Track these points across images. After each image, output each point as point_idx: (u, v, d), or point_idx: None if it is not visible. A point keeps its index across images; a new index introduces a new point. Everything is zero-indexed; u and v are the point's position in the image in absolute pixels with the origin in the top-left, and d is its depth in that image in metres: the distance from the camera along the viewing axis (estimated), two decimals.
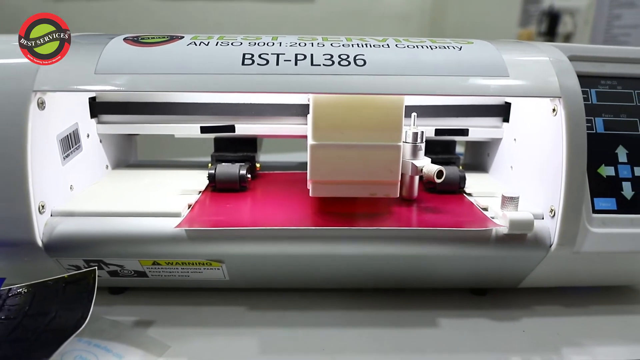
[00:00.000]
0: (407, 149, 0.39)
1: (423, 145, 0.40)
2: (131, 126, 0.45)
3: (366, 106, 0.36)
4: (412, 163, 0.39)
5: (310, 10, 1.61)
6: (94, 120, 0.45)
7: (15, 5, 1.48)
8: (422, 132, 0.40)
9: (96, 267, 0.35)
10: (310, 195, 0.38)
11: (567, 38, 1.23)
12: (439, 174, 0.38)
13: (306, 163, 0.51)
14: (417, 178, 0.40)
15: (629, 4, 1.11)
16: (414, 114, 0.40)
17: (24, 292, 0.35)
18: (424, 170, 0.39)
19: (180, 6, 1.62)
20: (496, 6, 1.50)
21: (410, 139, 0.39)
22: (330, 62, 0.36)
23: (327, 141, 0.36)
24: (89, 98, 0.44)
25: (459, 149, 0.51)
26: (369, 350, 0.36)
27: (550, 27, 1.25)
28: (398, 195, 0.38)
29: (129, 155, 0.52)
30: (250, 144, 0.47)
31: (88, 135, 0.43)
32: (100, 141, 0.46)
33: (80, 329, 0.31)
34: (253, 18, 1.60)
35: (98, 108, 0.44)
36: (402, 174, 0.39)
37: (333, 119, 0.36)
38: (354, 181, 0.37)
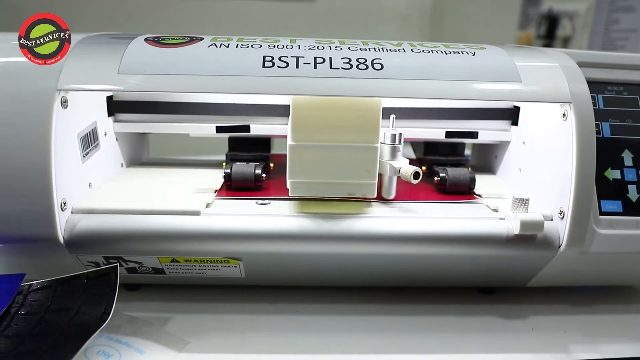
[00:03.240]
0: (385, 150, 0.40)
1: (401, 147, 0.41)
2: (148, 125, 0.46)
3: (344, 108, 0.37)
4: (390, 164, 0.40)
5: (312, 10, 1.62)
6: (110, 119, 0.45)
7: (14, 2, 1.47)
8: (401, 133, 0.40)
9: (117, 264, 0.36)
10: (289, 195, 0.39)
11: (566, 41, 1.25)
12: (416, 175, 0.39)
13: None
14: (395, 179, 0.41)
15: (628, 8, 1.12)
16: (392, 116, 0.41)
17: (45, 287, 0.35)
18: (402, 171, 0.40)
19: (180, 4, 1.62)
20: (495, 9, 1.52)
21: (388, 141, 0.40)
22: (348, 66, 0.37)
23: (306, 142, 0.37)
24: (107, 97, 0.44)
25: (466, 151, 0.52)
26: (382, 348, 0.37)
27: (549, 30, 1.27)
28: (375, 196, 0.39)
29: (142, 153, 0.53)
30: (264, 143, 0.48)
31: (105, 134, 0.44)
32: (117, 139, 0.47)
33: (105, 324, 0.32)
34: (254, 17, 1.61)
35: (115, 107, 0.45)
36: (381, 175, 0.40)
37: (312, 120, 0.37)
38: (333, 182, 0.38)
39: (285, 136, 0.47)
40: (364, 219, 0.38)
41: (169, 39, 0.38)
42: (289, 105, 0.45)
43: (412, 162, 0.56)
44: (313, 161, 0.38)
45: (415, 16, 1.73)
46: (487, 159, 0.53)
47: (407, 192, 0.46)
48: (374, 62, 0.37)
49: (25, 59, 0.35)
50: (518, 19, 1.40)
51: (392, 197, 0.42)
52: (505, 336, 0.38)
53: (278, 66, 0.36)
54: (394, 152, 0.40)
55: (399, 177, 0.41)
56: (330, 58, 0.37)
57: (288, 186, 0.39)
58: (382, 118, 0.45)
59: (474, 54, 0.39)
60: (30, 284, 0.36)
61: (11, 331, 0.32)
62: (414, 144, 0.55)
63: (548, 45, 1.26)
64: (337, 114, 0.37)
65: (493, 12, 1.52)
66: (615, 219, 0.39)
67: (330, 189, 0.39)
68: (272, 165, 0.49)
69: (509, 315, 0.41)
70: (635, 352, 0.37)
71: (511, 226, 0.38)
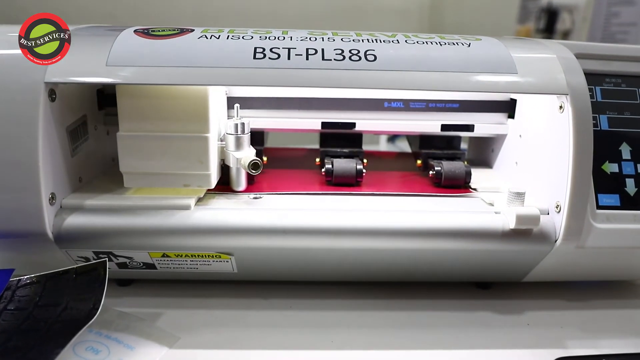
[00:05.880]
0: (230, 141, 0.40)
1: (247, 137, 0.40)
2: None
3: (172, 97, 0.37)
4: (232, 154, 0.40)
5: (309, 3, 1.61)
6: (101, 113, 0.45)
7: None
8: (243, 123, 0.40)
9: (106, 259, 0.35)
10: (124, 186, 0.39)
11: (565, 35, 1.24)
12: (254, 166, 0.38)
13: (313, 150, 0.52)
14: (242, 169, 0.40)
15: (628, 1, 1.11)
16: (236, 105, 0.40)
17: (34, 282, 0.35)
18: (242, 162, 0.39)
19: None
20: (495, 3, 1.51)
21: (232, 131, 0.39)
22: (341, 57, 0.36)
23: (134, 132, 0.37)
24: (97, 90, 0.44)
25: (462, 145, 0.51)
26: (375, 344, 0.36)
27: (549, 24, 1.26)
28: (212, 186, 0.39)
29: None
30: (258, 137, 0.47)
31: (96, 128, 0.43)
32: (108, 133, 0.46)
33: (93, 319, 0.32)
34: (252, 11, 1.60)
35: (106, 100, 0.44)
36: (229, 166, 0.40)
37: (140, 110, 0.37)
38: (167, 172, 0.38)
39: (280, 129, 0.46)
40: (355, 213, 0.38)
41: (159, 31, 0.38)
42: (281, 98, 0.45)
43: (407, 155, 0.56)
44: (145, 152, 0.37)
45: (415, 10, 1.72)
46: (484, 152, 0.53)
47: (402, 185, 0.45)
48: (367, 53, 0.36)
49: (11, 51, 0.35)
50: (517, 12, 1.39)
51: (241, 188, 0.41)
52: (500, 331, 0.38)
53: (269, 57, 0.36)
54: (238, 143, 0.40)
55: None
56: (323, 49, 0.36)
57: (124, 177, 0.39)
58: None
59: (469, 45, 0.38)
60: (19, 279, 0.35)
61: None
62: (410, 137, 0.54)
63: (548, 39, 1.25)
64: (167, 103, 0.37)
65: (492, 6, 1.51)
66: (612, 213, 0.38)
67: (165, 180, 0.38)
68: (265, 159, 0.48)
69: (504, 311, 0.40)
70: (633, 348, 0.37)
71: (507, 220, 0.37)
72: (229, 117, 0.42)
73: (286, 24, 0.40)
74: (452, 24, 1.64)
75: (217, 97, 0.40)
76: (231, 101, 0.44)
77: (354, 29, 0.41)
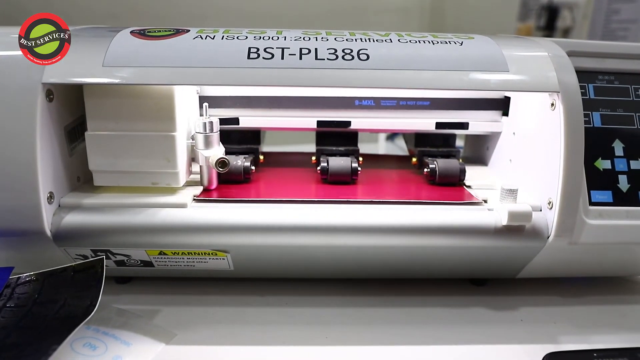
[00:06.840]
0: (199, 139, 0.40)
1: (216, 135, 0.40)
2: None
3: (138, 96, 0.37)
4: (201, 153, 0.40)
5: (310, 3, 1.61)
6: None
7: None
8: (212, 121, 0.40)
9: (104, 257, 0.36)
10: (94, 184, 0.39)
11: (566, 32, 1.24)
12: (221, 164, 0.39)
13: (309, 154, 0.52)
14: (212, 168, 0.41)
15: None
16: (205, 104, 0.40)
17: (33, 280, 0.35)
18: (210, 160, 0.39)
19: None
20: (495, 1, 1.51)
21: (201, 129, 0.40)
22: (334, 57, 0.36)
23: (102, 131, 0.38)
24: None
25: (459, 143, 0.51)
26: (369, 340, 0.37)
27: (549, 22, 1.26)
28: (181, 184, 0.40)
29: None
30: (254, 136, 0.48)
31: None
32: None
33: (90, 316, 0.32)
34: (252, 11, 1.60)
35: None
36: (200, 165, 0.41)
37: (107, 109, 0.37)
38: (135, 171, 0.39)
39: (276, 128, 0.47)
40: (350, 210, 0.38)
41: (155, 31, 0.38)
42: (276, 97, 0.45)
43: (404, 157, 0.56)
44: (112, 150, 0.38)
45: (416, 9, 1.72)
46: (479, 150, 0.53)
47: (397, 183, 0.46)
48: (360, 52, 0.37)
49: (8, 52, 0.35)
50: (518, 10, 1.38)
51: (212, 186, 0.42)
52: (494, 327, 0.38)
53: (263, 57, 0.36)
54: (207, 141, 0.40)
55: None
56: (316, 49, 0.37)
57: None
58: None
59: (461, 44, 0.39)
60: (19, 277, 0.36)
61: None
62: (406, 135, 0.54)
63: (548, 36, 1.25)
64: (133, 102, 0.37)
65: (493, 4, 1.51)
66: (605, 210, 0.38)
67: (133, 178, 0.39)
68: (262, 157, 0.49)
69: (498, 307, 0.41)
70: (625, 343, 0.37)
71: (499, 217, 0.38)
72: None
73: (287, 24, 0.40)
74: (452, 22, 1.64)
75: (185, 96, 0.40)
76: (223, 100, 0.44)
77: (354, 28, 0.42)
